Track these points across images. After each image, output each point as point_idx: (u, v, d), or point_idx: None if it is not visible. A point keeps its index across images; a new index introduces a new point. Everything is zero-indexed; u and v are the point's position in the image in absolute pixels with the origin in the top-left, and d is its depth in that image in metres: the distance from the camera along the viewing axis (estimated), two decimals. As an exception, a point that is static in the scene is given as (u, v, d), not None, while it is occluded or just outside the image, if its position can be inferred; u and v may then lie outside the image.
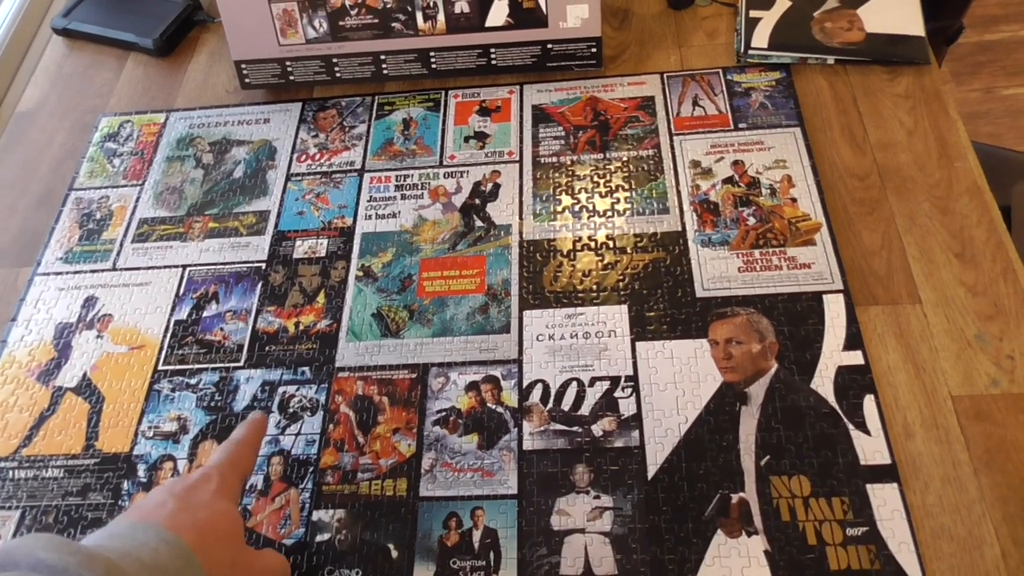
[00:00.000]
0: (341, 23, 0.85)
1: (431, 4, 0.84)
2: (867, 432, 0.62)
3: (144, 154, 0.89)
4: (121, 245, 0.82)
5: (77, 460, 0.69)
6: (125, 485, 0.67)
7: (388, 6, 0.84)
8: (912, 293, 0.69)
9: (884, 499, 0.59)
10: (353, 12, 0.84)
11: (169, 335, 0.75)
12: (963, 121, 0.79)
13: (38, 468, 0.69)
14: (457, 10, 0.84)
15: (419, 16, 0.84)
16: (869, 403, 0.63)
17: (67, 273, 0.80)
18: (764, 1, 0.89)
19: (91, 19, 1.02)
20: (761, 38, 0.86)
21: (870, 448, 0.61)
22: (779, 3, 0.89)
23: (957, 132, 0.78)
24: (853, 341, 0.66)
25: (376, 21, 0.85)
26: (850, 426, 0.62)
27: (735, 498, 0.61)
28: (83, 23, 1.01)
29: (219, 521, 0.50)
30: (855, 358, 0.66)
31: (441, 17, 0.84)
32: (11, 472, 0.69)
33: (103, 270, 0.80)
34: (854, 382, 0.65)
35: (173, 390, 0.72)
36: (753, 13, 0.88)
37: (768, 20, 0.88)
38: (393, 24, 0.85)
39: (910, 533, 0.57)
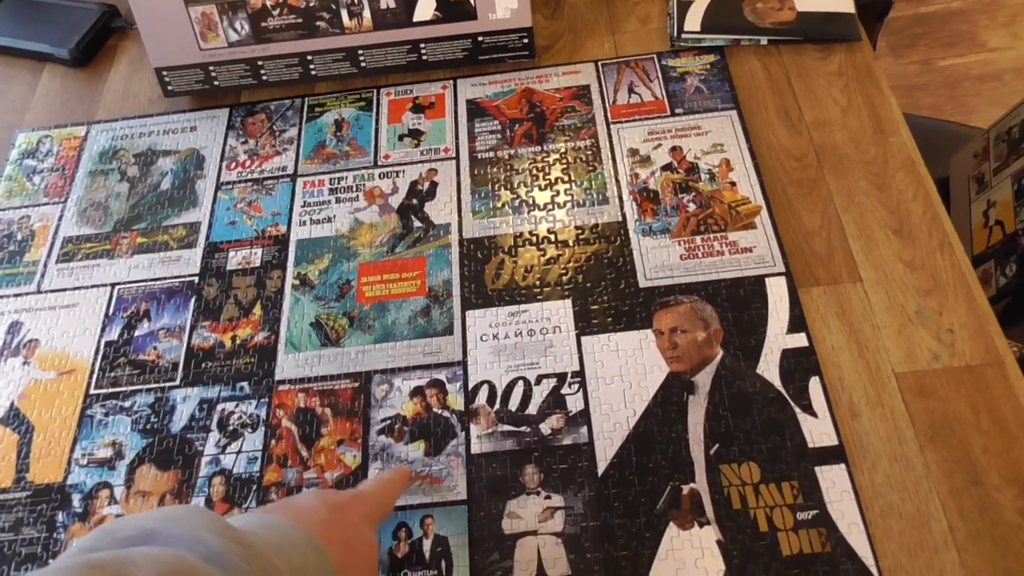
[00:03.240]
0: (263, 24, 0.82)
1: (355, 1, 0.81)
2: (814, 414, 0.62)
3: (65, 170, 0.85)
4: (45, 266, 0.78)
5: (8, 494, 0.66)
6: (60, 517, 0.64)
7: (311, 5, 0.81)
8: (852, 272, 0.69)
9: (833, 481, 0.59)
10: (275, 12, 0.81)
11: (100, 357, 0.72)
12: (903, 94, 0.80)
13: (-35, 506, 0.66)
14: (383, 6, 0.81)
15: (344, 14, 0.82)
16: (815, 385, 0.63)
17: (-12, 299, 0.77)
18: (695, -16, 0.88)
19: (1, 31, 0.97)
20: (694, 21, 0.85)
21: (817, 430, 0.61)
22: (710, -15, 0.88)
23: (890, 108, 0.78)
24: (797, 323, 0.66)
25: (300, 21, 0.82)
26: (797, 409, 0.62)
27: (686, 489, 0.60)
28: (-7, 35, 0.97)
29: (363, 548, 0.50)
30: (799, 340, 0.66)
31: (367, 14, 0.82)
32: (-64, 512, 0.66)
33: (27, 293, 0.77)
34: (799, 365, 0.64)
35: (107, 415, 0.69)
36: (685, -4, 0.88)
37: (700, 3, 0.87)
38: (318, 23, 0.82)
39: (859, 514, 0.57)
